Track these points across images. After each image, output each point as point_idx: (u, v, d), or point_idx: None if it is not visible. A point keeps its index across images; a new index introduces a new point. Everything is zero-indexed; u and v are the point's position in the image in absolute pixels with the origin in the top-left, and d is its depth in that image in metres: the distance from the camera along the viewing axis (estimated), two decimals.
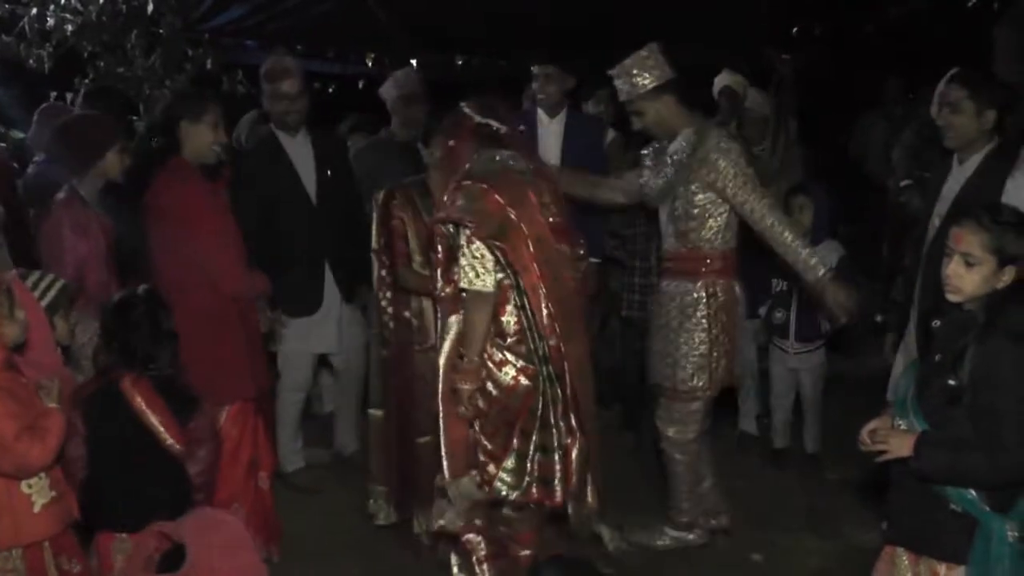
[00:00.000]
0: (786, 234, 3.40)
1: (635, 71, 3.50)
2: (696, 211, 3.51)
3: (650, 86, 3.50)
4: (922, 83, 5.36)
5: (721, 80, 5.28)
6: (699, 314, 3.56)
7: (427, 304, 3.60)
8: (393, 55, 6.83)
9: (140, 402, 2.82)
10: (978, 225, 2.30)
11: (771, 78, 6.45)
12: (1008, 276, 2.28)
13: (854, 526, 3.86)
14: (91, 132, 3.59)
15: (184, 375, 2.97)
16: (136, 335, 2.87)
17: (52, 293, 2.82)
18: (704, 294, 3.55)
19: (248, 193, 3.99)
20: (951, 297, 2.36)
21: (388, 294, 3.67)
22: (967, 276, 2.31)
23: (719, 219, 3.53)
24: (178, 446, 2.85)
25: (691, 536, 3.79)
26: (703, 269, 3.56)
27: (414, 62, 6.63)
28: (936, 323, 2.43)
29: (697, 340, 3.56)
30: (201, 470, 2.94)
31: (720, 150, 3.46)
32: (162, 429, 2.83)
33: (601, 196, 3.93)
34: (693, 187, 3.49)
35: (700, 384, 3.59)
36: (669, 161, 3.58)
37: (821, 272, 3.38)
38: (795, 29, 7.00)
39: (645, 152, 3.80)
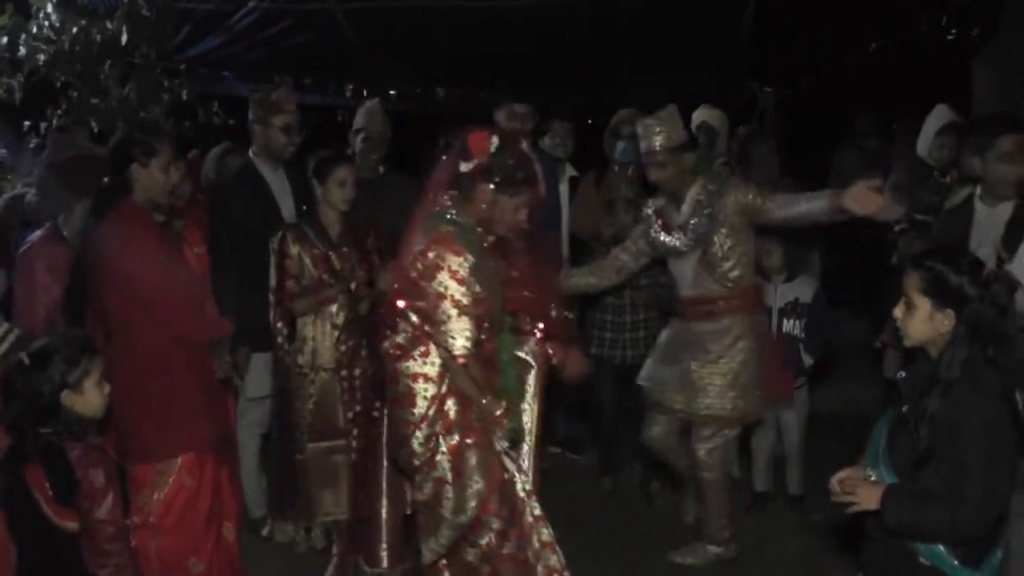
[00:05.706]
0: (800, 203, 3.58)
1: (670, 126, 3.72)
2: (730, 250, 3.72)
3: (678, 143, 3.73)
4: (900, 118, 5.33)
5: (699, 115, 5.25)
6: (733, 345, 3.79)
7: (320, 329, 3.74)
8: (371, 85, 6.78)
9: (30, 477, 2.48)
10: (913, 267, 2.29)
11: (753, 110, 6.46)
12: (948, 321, 2.23)
13: (840, 569, 3.76)
14: (82, 169, 3.61)
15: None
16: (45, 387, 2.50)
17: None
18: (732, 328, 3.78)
19: (227, 224, 3.95)
20: (905, 341, 2.34)
21: (280, 325, 3.78)
22: (907, 319, 2.30)
23: (746, 256, 3.78)
24: (69, 525, 2.50)
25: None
26: (736, 305, 3.78)
27: (392, 92, 6.60)
28: (902, 374, 2.40)
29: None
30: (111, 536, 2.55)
31: (735, 185, 3.76)
32: (49, 512, 2.47)
33: (604, 285, 4.11)
34: (724, 230, 3.70)
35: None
36: (694, 213, 3.74)
37: (829, 196, 3.48)
38: (778, 62, 7.00)
39: (648, 211, 3.93)
